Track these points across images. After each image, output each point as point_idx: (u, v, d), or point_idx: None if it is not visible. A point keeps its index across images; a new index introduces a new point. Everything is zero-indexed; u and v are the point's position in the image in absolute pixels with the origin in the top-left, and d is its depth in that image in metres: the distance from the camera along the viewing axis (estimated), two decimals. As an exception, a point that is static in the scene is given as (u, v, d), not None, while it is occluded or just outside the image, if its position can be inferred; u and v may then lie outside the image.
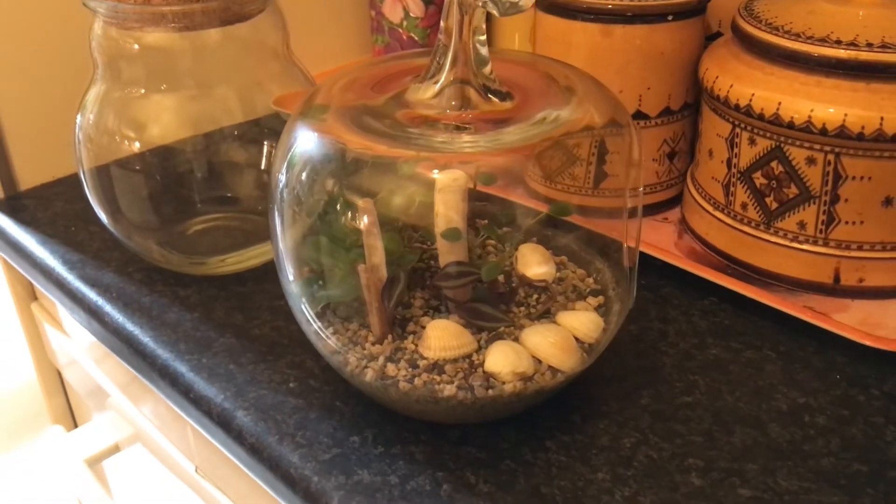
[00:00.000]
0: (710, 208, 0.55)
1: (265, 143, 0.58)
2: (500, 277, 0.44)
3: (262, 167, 0.58)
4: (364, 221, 0.40)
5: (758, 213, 0.52)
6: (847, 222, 0.49)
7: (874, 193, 0.48)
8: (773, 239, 0.52)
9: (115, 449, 0.66)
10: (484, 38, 0.39)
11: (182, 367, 0.48)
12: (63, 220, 0.63)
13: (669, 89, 0.57)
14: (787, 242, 0.51)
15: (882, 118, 0.46)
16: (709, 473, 0.40)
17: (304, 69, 0.55)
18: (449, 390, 0.39)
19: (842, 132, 0.47)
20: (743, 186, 0.52)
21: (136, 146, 0.52)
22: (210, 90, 0.52)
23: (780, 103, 0.48)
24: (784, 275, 0.52)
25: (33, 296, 0.73)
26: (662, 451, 0.42)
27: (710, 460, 0.41)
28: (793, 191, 0.50)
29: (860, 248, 0.50)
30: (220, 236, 0.58)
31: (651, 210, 0.60)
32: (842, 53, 0.47)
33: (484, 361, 0.40)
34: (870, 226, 0.49)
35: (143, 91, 0.51)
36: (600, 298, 0.45)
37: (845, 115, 0.47)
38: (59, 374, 0.78)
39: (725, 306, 0.52)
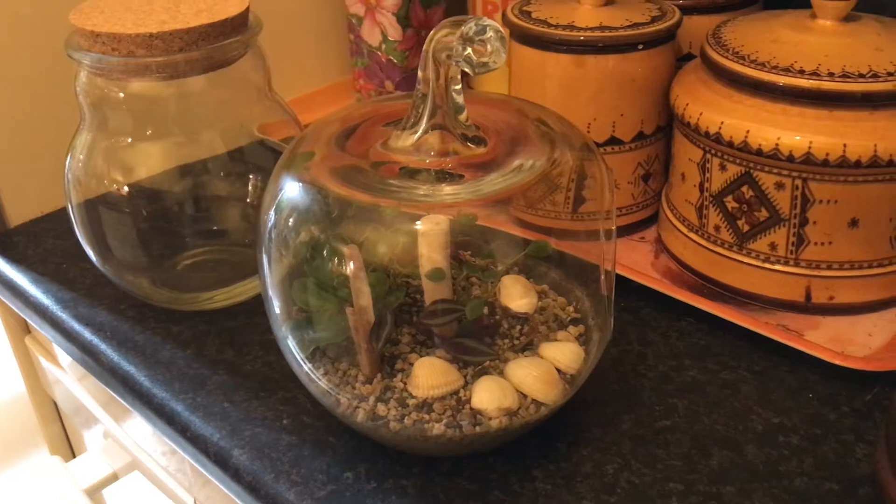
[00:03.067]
0: (684, 230, 0.57)
1: (250, 175, 0.59)
2: (484, 310, 0.45)
3: (248, 200, 0.60)
4: (350, 267, 0.41)
5: (730, 234, 0.54)
6: (816, 243, 0.51)
7: (841, 216, 0.50)
8: (746, 260, 0.54)
9: (114, 478, 0.68)
10: (459, 87, 0.40)
11: (178, 407, 0.49)
12: (54, 257, 0.64)
13: (642, 115, 0.58)
14: (759, 263, 0.53)
15: (845, 145, 0.48)
16: (688, 498, 0.42)
17: (287, 107, 0.57)
18: (438, 429, 0.41)
19: (808, 159, 0.49)
20: (715, 209, 0.54)
21: (125, 190, 0.53)
22: (196, 135, 0.53)
23: (748, 131, 0.50)
24: (758, 294, 0.54)
25: (26, 329, 0.74)
26: (644, 477, 0.43)
27: (689, 484, 0.43)
28: (763, 214, 0.52)
29: (829, 268, 0.52)
30: (208, 270, 0.59)
31: (628, 230, 0.62)
32: (805, 83, 0.49)
33: (471, 398, 0.42)
34: (838, 246, 0.51)
35: (129, 140, 0.52)
36: (581, 328, 0.47)
37: (810, 142, 0.48)
38: (55, 403, 0.80)
39: (702, 326, 0.53)
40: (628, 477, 0.43)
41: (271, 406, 0.49)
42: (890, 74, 0.48)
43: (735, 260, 0.54)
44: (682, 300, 0.54)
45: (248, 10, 0.51)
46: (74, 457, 0.75)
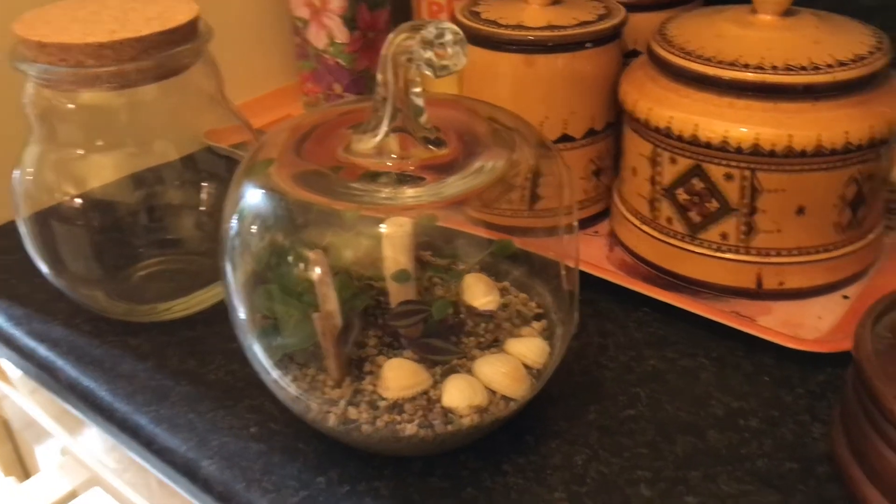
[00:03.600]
0: (637, 222, 0.58)
1: (203, 183, 0.59)
2: (449, 310, 0.46)
3: (202, 208, 0.59)
4: (316, 272, 0.41)
5: (682, 226, 0.55)
6: (766, 231, 0.53)
7: (788, 204, 0.52)
8: (699, 249, 0.55)
9: (73, 495, 0.66)
10: (419, 90, 0.41)
11: (142, 420, 0.49)
12: (3, 272, 0.63)
13: (592, 111, 0.60)
14: (711, 252, 0.55)
15: (790, 136, 0.50)
16: (657, 484, 0.43)
17: (240, 114, 0.56)
18: (410, 429, 0.41)
19: (755, 150, 0.50)
20: (667, 202, 0.55)
21: (77, 202, 0.52)
22: (148, 145, 0.53)
23: (696, 125, 0.51)
24: (711, 282, 0.55)
25: (-27, 347, 0.72)
26: (612, 466, 0.44)
27: (656, 471, 0.44)
28: (714, 205, 0.53)
29: (779, 255, 0.54)
30: (165, 281, 0.58)
31: (582, 225, 0.63)
32: (750, 76, 0.50)
33: (441, 397, 0.42)
34: (786, 233, 0.53)
35: (80, 152, 0.51)
36: (544, 322, 0.48)
37: (757, 134, 0.50)
38: (7, 423, 0.78)
39: (659, 316, 0.55)
40: (597, 467, 0.44)
41: (238, 415, 0.49)
42: (830, 66, 0.50)
43: (688, 250, 0.55)
44: (638, 291, 0.55)
45: (198, 17, 0.51)
46: (28, 477, 0.73)
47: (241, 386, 0.51)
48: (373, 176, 0.42)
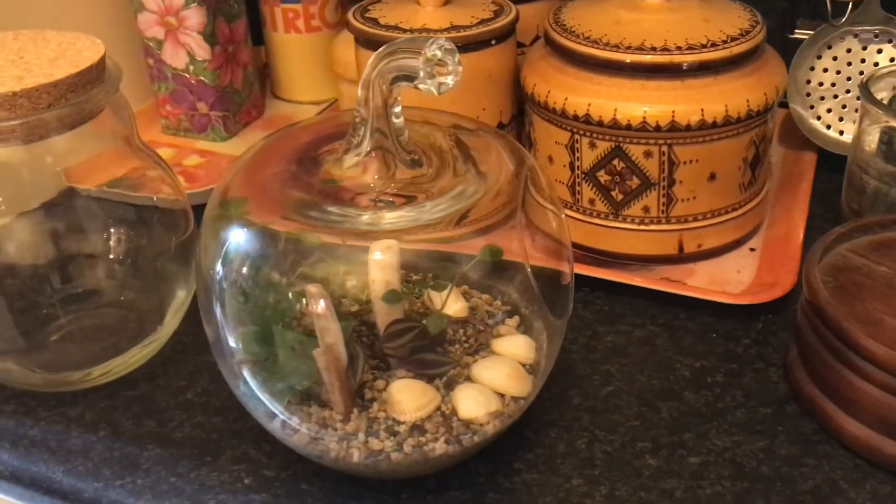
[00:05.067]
0: (558, 207, 0.60)
1: (111, 230, 0.54)
2: (444, 322, 0.46)
3: (111, 256, 0.55)
4: (321, 306, 0.40)
5: (605, 205, 0.58)
6: (683, 200, 0.57)
7: (702, 172, 0.56)
8: (623, 226, 0.58)
9: None
10: (400, 108, 0.40)
11: (118, 495, 0.45)
12: None
13: (500, 106, 0.61)
14: (635, 227, 0.58)
15: (702, 109, 0.54)
16: (659, 452, 0.46)
17: (157, 155, 0.52)
18: (440, 448, 0.41)
19: (672, 126, 0.54)
20: (588, 185, 0.58)
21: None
22: (56, 198, 0.48)
23: (615, 109, 0.54)
24: (637, 254, 0.59)
25: None
26: (613, 443, 0.46)
27: (653, 439, 0.47)
28: (635, 182, 0.57)
29: (696, 220, 0.58)
30: (85, 340, 0.53)
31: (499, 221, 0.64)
32: (660, 59, 0.54)
33: (456, 410, 0.42)
34: (701, 199, 0.57)
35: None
36: (516, 318, 0.49)
37: (673, 111, 0.54)
38: None
39: (599, 293, 0.57)
40: (600, 447, 0.46)
41: (223, 468, 0.46)
42: (725, 42, 0.54)
43: (612, 227, 0.58)
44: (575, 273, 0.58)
45: (105, 54, 0.47)
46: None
47: (215, 438, 0.48)
48: (353, 202, 0.41)
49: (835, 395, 0.45)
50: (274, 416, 0.42)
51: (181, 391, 0.51)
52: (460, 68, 0.38)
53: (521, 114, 0.63)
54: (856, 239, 0.51)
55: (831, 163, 0.68)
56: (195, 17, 0.71)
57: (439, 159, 0.43)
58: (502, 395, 0.44)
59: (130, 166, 0.51)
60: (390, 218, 0.40)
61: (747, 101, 0.54)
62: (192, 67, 0.73)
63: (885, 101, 0.58)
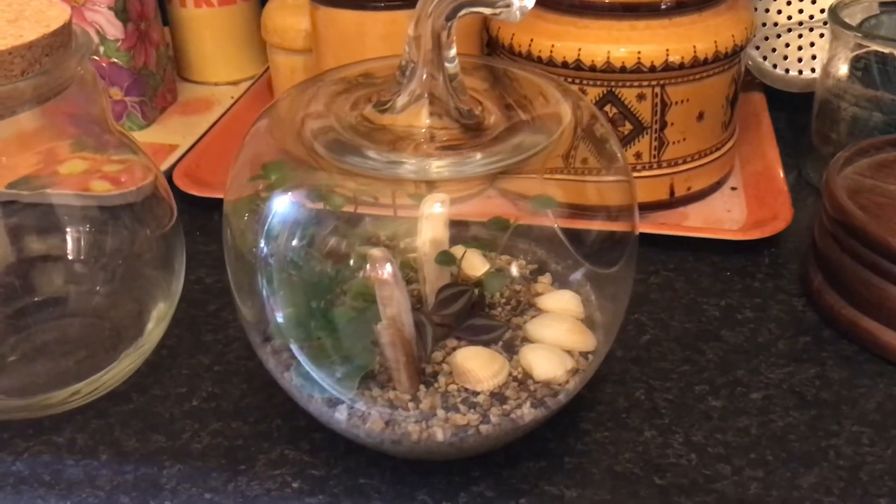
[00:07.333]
0: (542, 163, 0.58)
1: (67, 229, 0.47)
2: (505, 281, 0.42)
3: (71, 257, 0.48)
4: (387, 271, 0.35)
5: (595, 155, 0.56)
6: (673, 142, 0.56)
7: (692, 112, 0.55)
8: (614, 174, 0.56)
9: None
10: (454, 52, 0.36)
11: (147, 523, 0.39)
12: None
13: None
14: (627, 174, 0.56)
15: (695, 46, 0.53)
16: (719, 392, 0.44)
17: (134, 141, 0.46)
18: (528, 413, 0.37)
19: (667, 66, 0.53)
20: (577, 135, 0.56)
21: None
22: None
23: (608, 52, 0.52)
24: (629, 203, 0.57)
25: None
26: (672, 391, 0.45)
27: (709, 381, 0.45)
28: (628, 127, 0.55)
29: (685, 162, 0.57)
30: (55, 356, 0.46)
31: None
32: (647, -4, 0.52)
33: (531, 372, 0.39)
34: (690, 141, 0.56)
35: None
36: (547, 276, 0.46)
37: (667, 50, 0.52)
38: None
39: (600, 246, 0.55)
40: (661, 396, 0.44)
41: (263, 475, 0.41)
42: (706, -23, 0.54)
43: (603, 178, 0.57)
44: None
45: (72, 14, 0.40)
46: None
47: (241, 444, 0.42)
48: (405, 148, 0.36)
49: (878, 312, 0.46)
50: (337, 404, 0.37)
51: (184, 399, 0.45)
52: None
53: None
54: (857, 162, 0.52)
55: (775, 102, 0.70)
56: (105, -10, 0.63)
57: (497, 107, 0.39)
58: (570, 352, 0.41)
59: (101, 152, 0.44)
60: (440, 167, 0.36)
61: (732, 35, 0.54)
62: (102, 49, 0.65)
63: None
